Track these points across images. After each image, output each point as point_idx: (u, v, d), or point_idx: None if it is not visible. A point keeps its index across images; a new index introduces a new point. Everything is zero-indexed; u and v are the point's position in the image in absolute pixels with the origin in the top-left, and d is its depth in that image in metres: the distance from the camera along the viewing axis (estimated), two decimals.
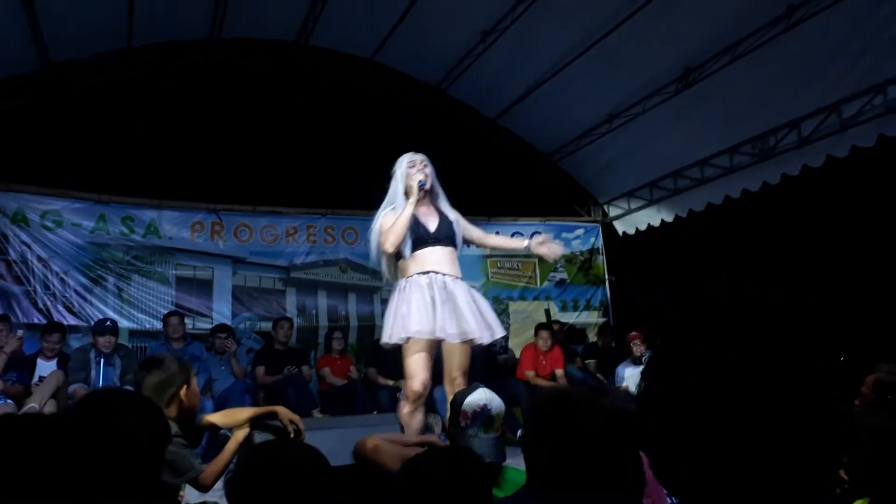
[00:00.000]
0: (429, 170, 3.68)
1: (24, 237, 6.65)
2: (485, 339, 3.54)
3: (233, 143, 7.59)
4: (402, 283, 3.56)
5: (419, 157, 3.71)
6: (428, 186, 3.63)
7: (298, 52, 7.86)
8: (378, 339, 6.96)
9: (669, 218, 8.48)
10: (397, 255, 3.62)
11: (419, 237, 3.55)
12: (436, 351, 3.55)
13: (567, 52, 7.15)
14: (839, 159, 6.32)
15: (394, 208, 3.62)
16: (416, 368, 3.42)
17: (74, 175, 6.99)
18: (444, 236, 3.62)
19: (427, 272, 3.51)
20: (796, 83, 6.37)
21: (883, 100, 5.91)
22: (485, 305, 3.67)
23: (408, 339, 3.42)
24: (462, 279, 3.66)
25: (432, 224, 3.62)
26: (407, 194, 3.62)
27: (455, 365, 3.54)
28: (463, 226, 3.80)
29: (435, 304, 3.41)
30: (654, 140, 7.89)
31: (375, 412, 5.96)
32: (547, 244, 3.86)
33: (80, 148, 7.06)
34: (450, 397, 3.25)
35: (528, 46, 7.22)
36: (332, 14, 7.16)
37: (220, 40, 7.44)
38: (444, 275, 3.53)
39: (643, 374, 0.81)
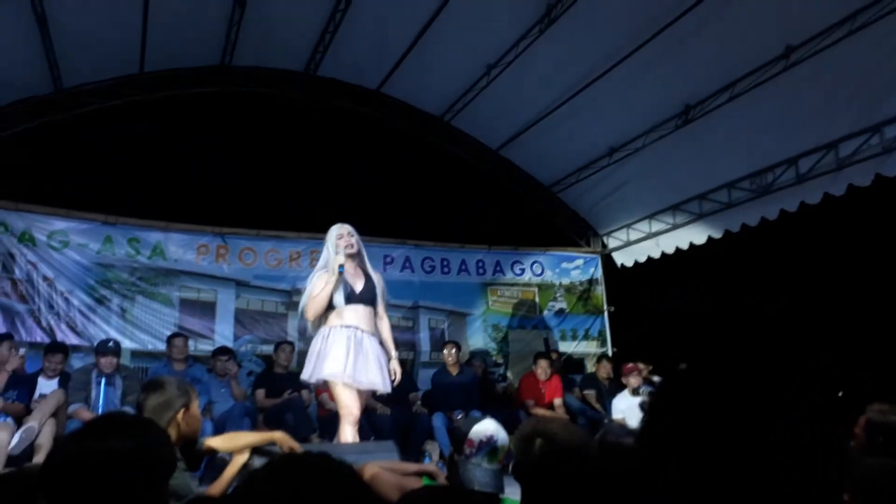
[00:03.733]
0: (354, 239, 4.26)
1: (31, 256, 6.71)
2: (386, 389, 4.12)
3: (239, 168, 7.73)
4: (325, 330, 4.11)
5: (346, 230, 4.28)
6: (348, 265, 4.19)
7: (306, 82, 8.01)
8: None
9: (669, 250, 8.56)
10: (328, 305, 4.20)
11: (346, 296, 4.11)
12: None
13: (569, 86, 7.31)
14: (836, 197, 6.42)
15: (326, 271, 4.18)
16: (350, 402, 3.96)
17: (82, 196, 7.08)
18: (367, 297, 4.19)
19: (349, 326, 4.06)
20: (794, 121, 6.49)
21: (879, 140, 6.03)
22: (385, 361, 4.20)
23: (323, 381, 4.03)
24: (375, 335, 4.20)
25: (359, 285, 4.19)
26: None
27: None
28: (380, 292, 4.35)
29: (349, 355, 3.96)
30: (653, 174, 8.02)
31: (373, 438, 5.98)
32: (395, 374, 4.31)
33: (89, 170, 7.19)
34: (344, 429, 3.97)
35: (532, 80, 7.37)
36: (340, 46, 7.32)
37: (230, 68, 7.60)
38: (363, 331, 4.08)
39: (648, 409, 0.83)
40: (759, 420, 0.72)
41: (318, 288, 4.11)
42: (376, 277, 4.33)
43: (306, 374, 4.08)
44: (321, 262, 4.28)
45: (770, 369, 0.76)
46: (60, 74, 6.69)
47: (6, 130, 6.81)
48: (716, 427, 0.73)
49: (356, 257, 4.30)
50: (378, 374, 4.03)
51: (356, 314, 4.11)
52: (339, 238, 4.22)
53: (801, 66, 5.91)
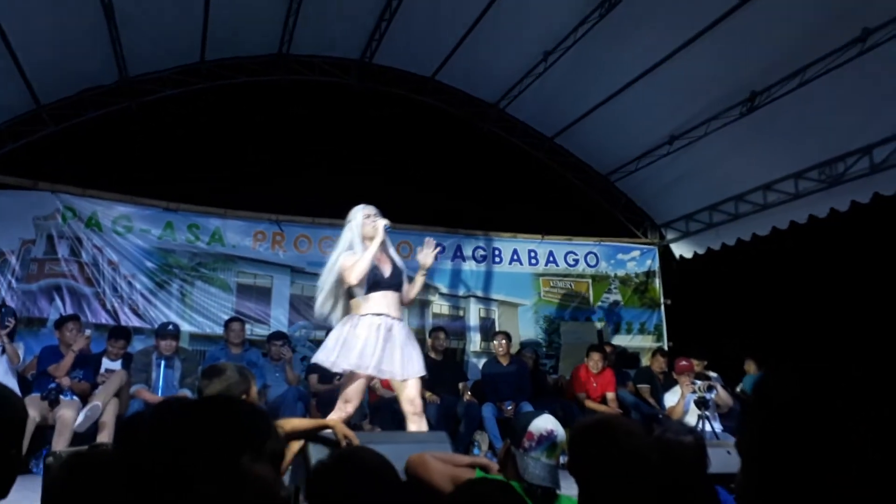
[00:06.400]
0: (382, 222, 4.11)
1: (97, 241, 6.96)
2: (410, 376, 3.94)
3: (296, 156, 7.81)
4: (354, 319, 3.95)
5: (373, 209, 4.14)
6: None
7: (362, 70, 8.03)
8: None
9: (731, 242, 8.28)
10: (349, 294, 4.02)
11: (375, 281, 3.96)
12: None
13: (628, 72, 7.11)
14: None
15: (353, 253, 3.99)
16: (354, 396, 3.91)
17: (145, 183, 7.29)
18: (396, 283, 4.07)
19: (380, 314, 3.93)
20: (868, 108, 6.16)
21: None
22: (416, 346, 4.08)
23: (350, 371, 3.88)
24: (403, 321, 4.10)
25: (387, 270, 4.04)
26: (367, 240, 4.03)
27: (409, 389, 3.95)
28: (405, 277, 4.22)
29: (377, 345, 3.84)
30: (715, 163, 7.74)
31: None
32: (423, 251, 4.22)
33: (152, 157, 7.39)
34: (409, 416, 3.88)
35: (589, 66, 7.20)
36: (396, 34, 7.31)
37: (288, 56, 7.68)
38: (392, 318, 3.96)
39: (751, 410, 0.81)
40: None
41: (350, 261, 3.94)
42: (400, 262, 4.20)
43: (327, 361, 3.89)
44: (343, 245, 4.06)
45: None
46: (125, 64, 6.87)
47: (75, 119, 7.05)
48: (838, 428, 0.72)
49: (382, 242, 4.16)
50: (400, 362, 3.90)
51: (386, 300, 3.96)
52: (367, 216, 4.09)
53: (878, 49, 5.59)
